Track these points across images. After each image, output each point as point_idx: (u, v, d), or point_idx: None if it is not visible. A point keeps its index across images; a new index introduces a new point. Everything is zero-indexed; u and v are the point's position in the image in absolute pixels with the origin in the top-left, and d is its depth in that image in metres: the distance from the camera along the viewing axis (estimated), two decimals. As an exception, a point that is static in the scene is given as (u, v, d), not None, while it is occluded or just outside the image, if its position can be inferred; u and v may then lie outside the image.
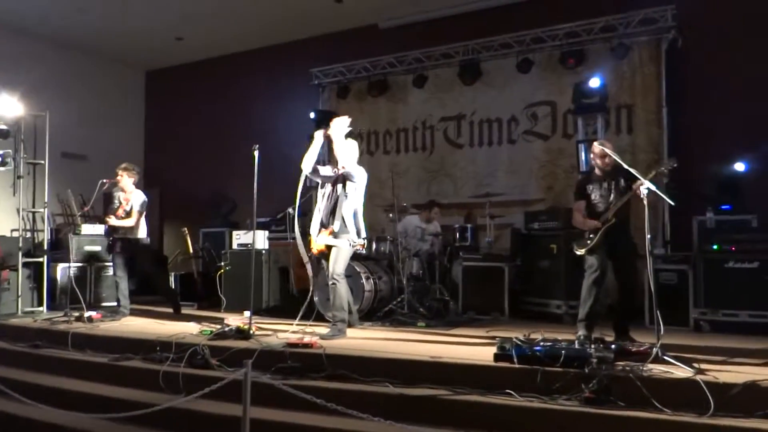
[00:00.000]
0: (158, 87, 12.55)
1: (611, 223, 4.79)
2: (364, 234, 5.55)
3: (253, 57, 11.05)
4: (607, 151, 4.88)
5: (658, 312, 4.09)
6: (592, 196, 5.03)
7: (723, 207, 6.16)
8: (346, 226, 5.34)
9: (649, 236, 4.33)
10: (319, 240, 5.41)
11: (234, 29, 10.23)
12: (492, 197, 7.64)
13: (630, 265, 4.99)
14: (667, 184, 6.73)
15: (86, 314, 6.46)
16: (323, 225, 5.44)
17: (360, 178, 5.45)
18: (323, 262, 5.56)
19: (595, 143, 5.14)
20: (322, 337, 5.11)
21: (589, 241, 4.86)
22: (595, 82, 7.27)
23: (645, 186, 4.38)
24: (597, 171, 5.07)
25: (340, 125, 5.46)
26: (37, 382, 4.93)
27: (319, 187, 5.62)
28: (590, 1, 8.10)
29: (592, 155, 5.10)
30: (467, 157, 8.91)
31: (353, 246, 5.33)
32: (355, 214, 5.42)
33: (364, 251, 5.47)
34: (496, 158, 8.68)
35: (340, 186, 5.41)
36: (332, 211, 5.39)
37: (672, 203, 4.46)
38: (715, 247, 5.93)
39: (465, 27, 8.92)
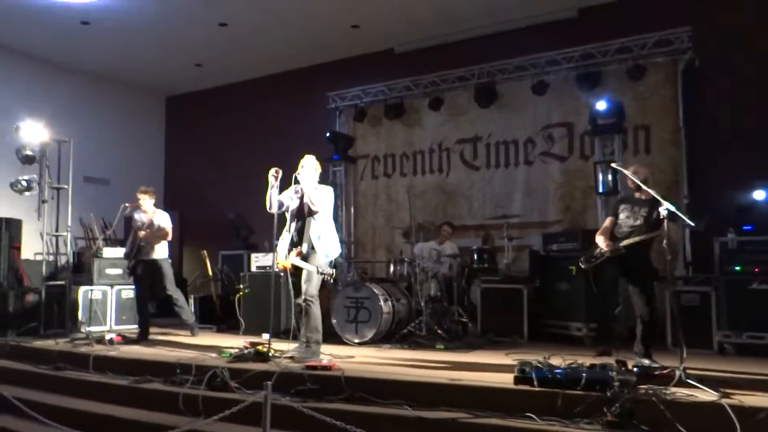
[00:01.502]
0: (178, 112, 12.79)
1: (619, 252, 4.91)
2: (336, 253, 5.51)
3: (271, 82, 11.23)
4: (634, 177, 4.91)
5: (681, 334, 4.04)
6: (621, 216, 5.10)
7: (745, 228, 6.08)
8: (314, 250, 5.33)
9: (669, 257, 4.32)
10: (289, 259, 5.37)
11: (252, 55, 10.43)
12: (509, 219, 7.62)
13: (649, 290, 5.00)
14: (687, 205, 6.71)
15: (107, 337, 6.54)
16: (294, 244, 5.41)
17: (324, 203, 5.43)
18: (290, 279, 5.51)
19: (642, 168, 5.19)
20: (295, 358, 5.10)
21: (594, 259, 5.07)
22: (601, 105, 7.29)
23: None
24: (638, 194, 5.08)
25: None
26: (59, 404, 4.96)
27: (290, 195, 5.58)
28: (605, 23, 8.14)
29: (632, 174, 5.03)
30: (484, 179, 8.92)
31: (321, 274, 5.24)
32: (324, 235, 5.39)
33: (332, 281, 5.39)
34: (512, 180, 8.68)
35: (306, 208, 5.43)
36: (300, 233, 5.41)
37: (693, 224, 4.43)
38: (737, 268, 5.86)
39: (480, 50, 9.00)
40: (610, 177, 7.19)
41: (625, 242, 4.91)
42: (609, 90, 7.64)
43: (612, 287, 5.10)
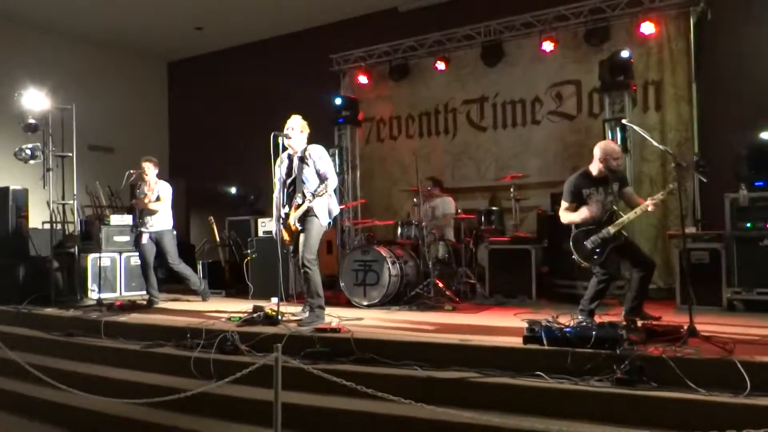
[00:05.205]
0: (180, 78, 12.65)
1: (620, 242, 4.66)
2: (334, 213, 5.52)
3: (273, 45, 11.06)
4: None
5: (691, 291, 4.02)
6: (589, 201, 4.82)
7: (756, 184, 5.98)
8: (309, 201, 5.26)
9: (685, 214, 4.28)
10: (292, 218, 5.38)
11: (253, 18, 10.23)
12: (517, 179, 7.55)
13: (638, 251, 4.92)
14: (697, 162, 6.61)
15: (117, 303, 6.59)
16: (289, 202, 5.44)
17: (330, 164, 5.45)
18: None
19: (612, 144, 5.01)
20: (300, 323, 5.11)
21: (596, 257, 4.70)
22: (609, 60, 7.13)
23: (651, 204, 4.51)
24: (595, 173, 4.84)
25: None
26: (72, 369, 5.05)
27: (279, 168, 5.53)
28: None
29: (605, 155, 4.77)
30: (491, 140, 8.81)
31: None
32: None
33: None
34: (520, 140, 8.57)
35: (296, 163, 5.41)
36: (293, 192, 5.40)
37: (704, 180, 4.37)
38: (748, 225, 5.79)
39: (486, 7, 8.77)
40: (619, 135, 7.07)
41: (616, 226, 4.66)
42: (619, 45, 7.44)
43: (611, 280, 4.95)
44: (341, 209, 8.81)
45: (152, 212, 6.89)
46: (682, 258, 5.59)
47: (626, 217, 4.67)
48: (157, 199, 6.94)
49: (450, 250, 7.12)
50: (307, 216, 5.32)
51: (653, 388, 3.42)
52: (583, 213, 4.74)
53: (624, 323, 4.28)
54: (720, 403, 3.21)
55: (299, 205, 5.32)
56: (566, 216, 4.88)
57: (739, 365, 3.35)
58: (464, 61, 8.96)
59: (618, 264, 4.93)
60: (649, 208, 4.57)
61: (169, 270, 7.97)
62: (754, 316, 5.36)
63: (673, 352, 3.62)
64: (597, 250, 4.70)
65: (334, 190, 5.61)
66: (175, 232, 7.25)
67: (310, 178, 5.35)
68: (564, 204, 4.95)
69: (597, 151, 4.84)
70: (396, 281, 6.49)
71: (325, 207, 5.39)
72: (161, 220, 6.98)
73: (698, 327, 4.06)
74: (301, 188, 5.34)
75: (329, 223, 5.52)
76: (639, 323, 4.36)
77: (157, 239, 6.96)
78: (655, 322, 4.53)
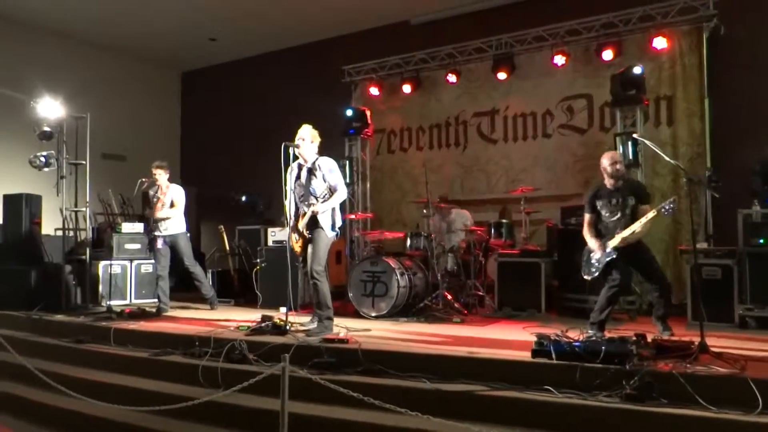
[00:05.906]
0: (193, 88, 12.78)
1: (612, 258, 4.79)
2: (338, 225, 5.51)
3: (286, 56, 11.16)
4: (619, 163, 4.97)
5: (702, 307, 3.99)
6: (603, 212, 5.01)
7: (770, 200, 5.95)
8: (315, 210, 5.31)
9: (697, 227, 4.24)
10: (301, 224, 5.42)
11: (266, 29, 10.34)
12: (527, 192, 7.54)
13: (654, 269, 4.97)
14: (709, 177, 6.57)
15: (127, 311, 6.62)
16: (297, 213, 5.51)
17: (340, 177, 5.48)
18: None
19: (611, 152, 5.16)
20: (308, 333, 5.11)
21: (593, 269, 4.94)
22: (622, 75, 7.12)
23: (639, 227, 4.63)
24: (608, 185, 5.02)
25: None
26: (81, 376, 5.06)
27: (290, 176, 5.56)
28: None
29: (604, 162, 5.00)
30: (501, 152, 8.81)
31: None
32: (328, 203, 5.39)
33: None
34: (531, 153, 8.56)
35: (305, 173, 5.44)
36: (303, 198, 5.45)
37: (716, 195, 4.35)
38: (761, 241, 5.74)
39: (498, 21, 8.82)
40: (631, 149, 7.05)
41: (614, 243, 4.79)
42: (630, 60, 7.44)
43: (621, 291, 5.02)
44: (351, 220, 8.90)
45: (166, 216, 6.96)
46: (694, 273, 5.54)
47: (619, 236, 4.78)
48: (171, 204, 7.01)
49: (459, 262, 7.11)
50: (314, 228, 5.35)
51: (663, 404, 3.38)
52: (592, 244, 5.00)
53: (634, 338, 4.24)
54: (731, 420, 3.17)
55: (305, 214, 5.37)
56: (585, 233, 5.14)
57: (750, 383, 3.31)
58: (475, 74, 8.99)
59: (630, 274, 4.94)
60: (636, 230, 4.70)
61: (180, 276, 8.02)
62: (766, 333, 5.29)
63: (684, 369, 3.60)
64: (594, 263, 4.94)
65: (342, 202, 5.62)
66: (188, 234, 7.29)
67: (318, 189, 5.38)
68: (585, 217, 5.16)
69: (601, 161, 5.07)
70: (404, 292, 6.48)
71: (329, 219, 5.42)
72: (175, 223, 7.04)
73: (709, 343, 4.02)
74: (308, 198, 5.39)
75: (336, 234, 5.54)
76: (649, 338, 4.33)
77: (172, 243, 7.02)
78: (665, 338, 4.48)
